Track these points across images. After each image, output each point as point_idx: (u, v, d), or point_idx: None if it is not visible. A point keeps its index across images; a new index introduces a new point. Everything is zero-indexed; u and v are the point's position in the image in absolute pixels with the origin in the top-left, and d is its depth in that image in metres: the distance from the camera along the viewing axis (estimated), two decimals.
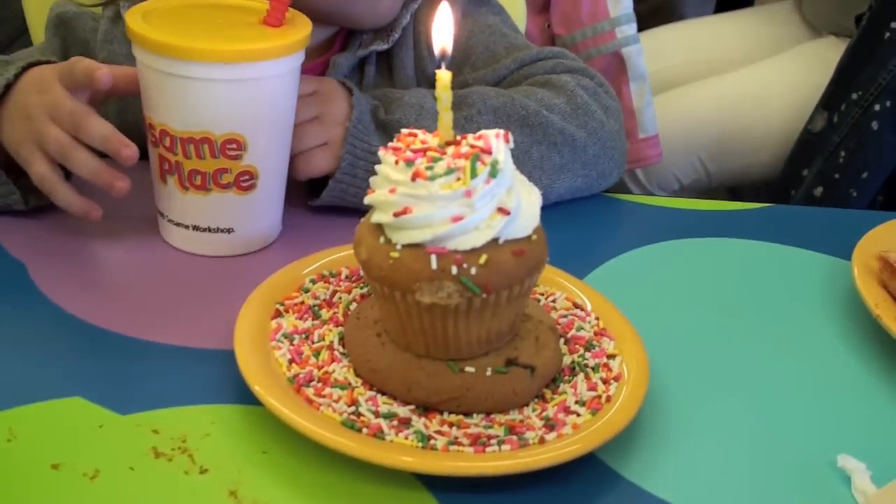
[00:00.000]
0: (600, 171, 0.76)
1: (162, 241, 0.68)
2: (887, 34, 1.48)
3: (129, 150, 0.62)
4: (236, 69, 0.61)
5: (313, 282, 0.60)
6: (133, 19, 0.63)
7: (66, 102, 0.63)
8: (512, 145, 0.58)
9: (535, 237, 0.51)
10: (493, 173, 0.49)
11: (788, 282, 0.70)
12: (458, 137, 0.51)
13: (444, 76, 0.49)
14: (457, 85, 0.80)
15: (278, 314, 0.57)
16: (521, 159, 0.71)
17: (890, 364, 0.61)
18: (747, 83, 1.74)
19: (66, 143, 0.63)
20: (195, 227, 0.66)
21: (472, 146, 0.50)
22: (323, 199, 0.70)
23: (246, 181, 0.65)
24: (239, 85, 0.62)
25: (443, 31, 0.51)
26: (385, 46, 0.79)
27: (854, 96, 1.52)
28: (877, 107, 1.50)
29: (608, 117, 0.76)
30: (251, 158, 0.64)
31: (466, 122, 0.70)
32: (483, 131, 0.51)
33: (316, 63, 0.80)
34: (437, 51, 0.50)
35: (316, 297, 0.58)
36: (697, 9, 2.65)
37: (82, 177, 0.64)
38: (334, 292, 0.59)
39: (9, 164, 0.67)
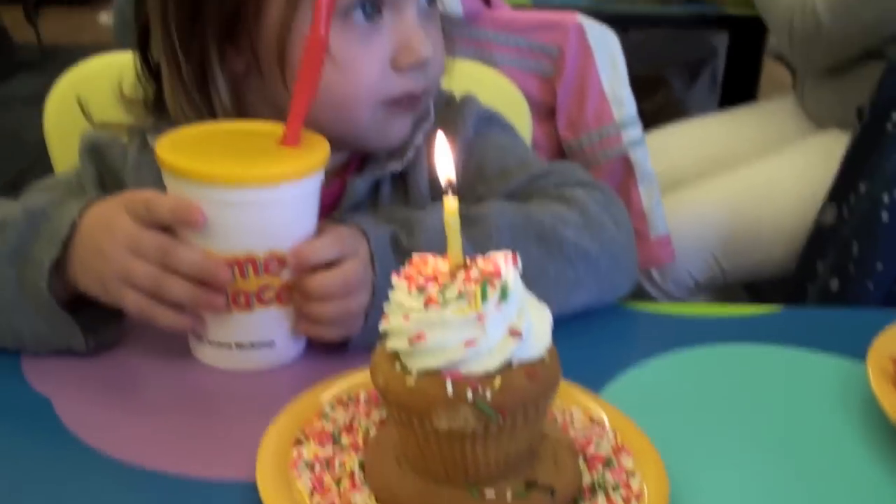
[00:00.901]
0: (612, 284, 0.77)
1: (188, 363, 0.69)
2: (889, 126, 1.51)
3: (225, 272, 0.64)
4: (278, 190, 0.64)
5: (332, 407, 0.60)
6: (163, 150, 0.65)
7: (146, 236, 0.65)
8: (521, 268, 0.60)
9: (547, 358, 0.52)
10: (504, 296, 0.50)
11: (805, 387, 0.70)
12: (468, 261, 0.52)
13: (450, 203, 0.51)
14: (472, 199, 0.82)
15: (299, 442, 0.57)
16: (538, 276, 0.72)
17: None
18: (755, 179, 1.76)
19: (157, 274, 0.64)
20: (238, 345, 0.68)
21: (482, 270, 0.51)
22: (355, 346, 0.70)
23: (287, 294, 0.67)
24: (282, 203, 0.65)
25: (444, 161, 0.53)
26: (399, 167, 0.81)
27: (862, 188, 1.53)
28: (885, 198, 1.50)
29: (619, 230, 0.77)
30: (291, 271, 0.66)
31: (485, 238, 0.71)
32: (492, 253, 0.52)
33: (333, 186, 0.82)
34: (442, 181, 0.52)
35: (335, 423, 0.59)
36: (702, 106, 2.71)
37: (181, 302, 0.65)
38: (353, 417, 0.60)
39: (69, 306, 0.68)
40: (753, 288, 2.16)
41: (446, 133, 0.83)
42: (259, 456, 0.55)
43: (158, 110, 0.81)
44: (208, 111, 0.76)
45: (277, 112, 0.75)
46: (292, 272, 0.66)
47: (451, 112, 0.86)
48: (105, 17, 4.36)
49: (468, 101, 0.87)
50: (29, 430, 0.62)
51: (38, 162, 1.06)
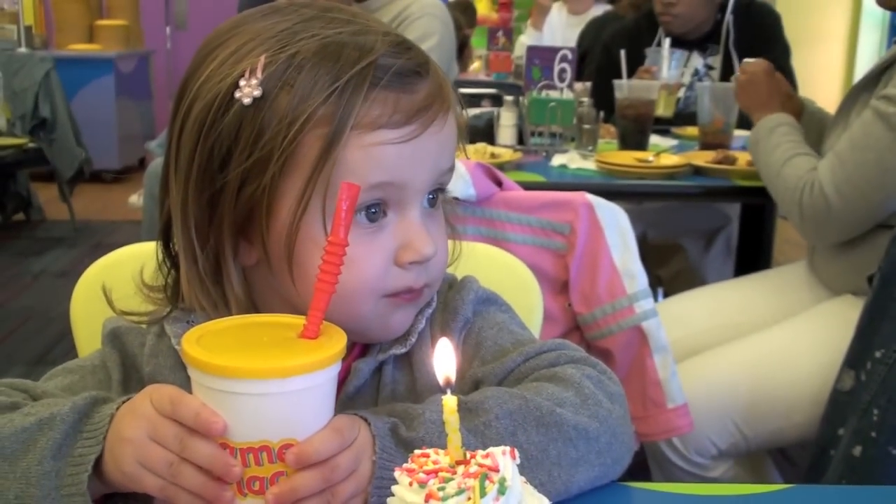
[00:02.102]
0: (614, 458, 0.78)
1: None
2: None
3: (237, 470, 0.66)
4: (293, 382, 0.66)
5: None
6: (189, 345, 0.68)
7: (166, 423, 0.67)
8: (522, 455, 0.61)
9: None
10: (502, 490, 0.52)
11: None
12: (468, 456, 0.54)
13: (450, 402, 0.53)
14: (468, 380, 0.85)
15: None
16: (540, 458, 0.74)
17: None
18: (772, 345, 1.78)
19: (172, 461, 0.67)
20: None
21: (481, 465, 0.53)
22: None
23: None
24: (297, 395, 0.67)
25: (444, 364, 0.56)
26: (403, 351, 0.84)
27: (878, 354, 1.54)
28: None
29: (614, 404, 0.79)
30: None
31: (485, 427, 0.74)
32: (491, 449, 0.54)
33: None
34: (441, 381, 0.55)
35: None
36: (718, 272, 2.75)
37: (190, 490, 0.66)
38: None
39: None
40: (785, 452, 2.14)
41: (448, 315, 0.88)
42: None
43: (176, 299, 0.85)
44: (222, 301, 0.80)
45: (285, 302, 0.80)
46: (293, 468, 0.67)
47: (453, 294, 0.89)
48: (135, 198, 4.54)
49: (468, 282, 0.91)
50: None
51: (64, 337, 1.10)
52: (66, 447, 0.70)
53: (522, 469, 0.72)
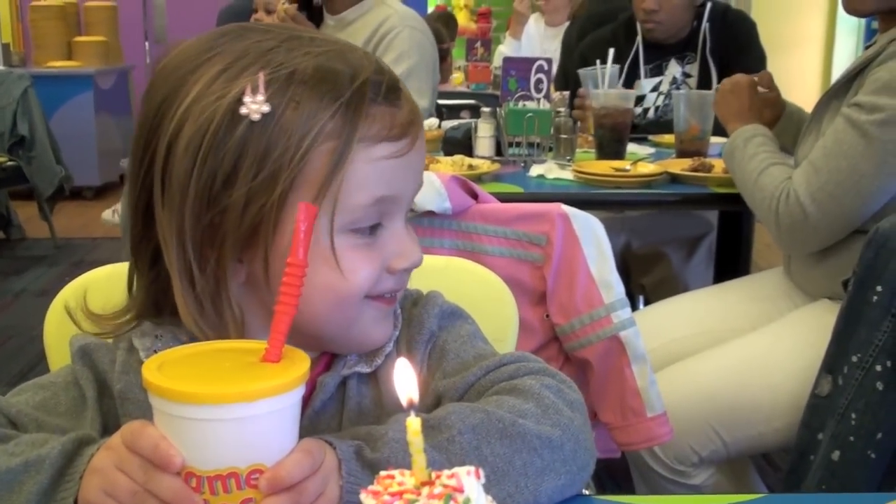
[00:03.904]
0: (579, 465, 0.79)
1: None
2: (875, 297, 1.54)
3: None
4: (257, 406, 0.66)
5: None
6: (150, 373, 0.68)
7: (133, 455, 0.67)
8: (487, 472, 0.61)
9: None
10: None
11: None
12: (433, 477, 0.54)
13: (413, 423, 0.54)
14: (429, 393, 0.86)
15: None
16: (506, 470, 0.75)
17: None
18: (750, 352, 1.79)
19: (137, 491, 0.67)
20: None
21: (445, 486, 0.53)
22: None
23: None
24: (262, 419, 0.67)
25: (406, 385, 0.56)
26: (368, 370, 0.86)
27: (854, 359, 1.55)
28: (878, 367, 1.53)
29: (574, 412, 0.80)
30: None
31: (449, 443, 0.74)
32: (455, 469, 0.54)
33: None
34: (403, 402, 0.55)
35: None
36: (700, 278, 2.76)
37: None
38: None
39: None
40: (768, 458, 2.15)
41: (413, 330, 0.88)
42: None
43: (144, 314, 0.85)
44: (219, 321, 0.79)
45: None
46: (265, 493, 0.67)
47: (418, 310, 0.91)
48: (108, 214, 4.51)
49: (433, 297, 0.92)
50: None
51: (45, 357, 1.10)
52: (50, 492, 0.70)
53: (489, 482, 0.73)
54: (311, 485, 0.68)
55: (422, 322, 0.89)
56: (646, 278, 2.81)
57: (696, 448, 1.71)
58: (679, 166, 2.33)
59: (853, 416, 1.54)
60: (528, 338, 1.55)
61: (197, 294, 0.78)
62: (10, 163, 4.99)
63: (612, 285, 1.53)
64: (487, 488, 0.56)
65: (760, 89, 2.21)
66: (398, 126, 0.79)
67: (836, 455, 1.55)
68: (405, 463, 0.56)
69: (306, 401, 0.85)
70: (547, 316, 1.57)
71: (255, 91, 0.74)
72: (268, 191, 0.75)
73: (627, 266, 2.82)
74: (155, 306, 0.85)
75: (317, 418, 0.84)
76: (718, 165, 2.26)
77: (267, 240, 0.77)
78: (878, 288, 1.53)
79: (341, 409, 0.86)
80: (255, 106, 0.74)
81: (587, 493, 0.82)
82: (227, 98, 0.75)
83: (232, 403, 0.66)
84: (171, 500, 0.66)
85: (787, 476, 1.63)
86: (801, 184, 1.74)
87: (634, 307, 2.53)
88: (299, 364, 0.70)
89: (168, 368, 0.69)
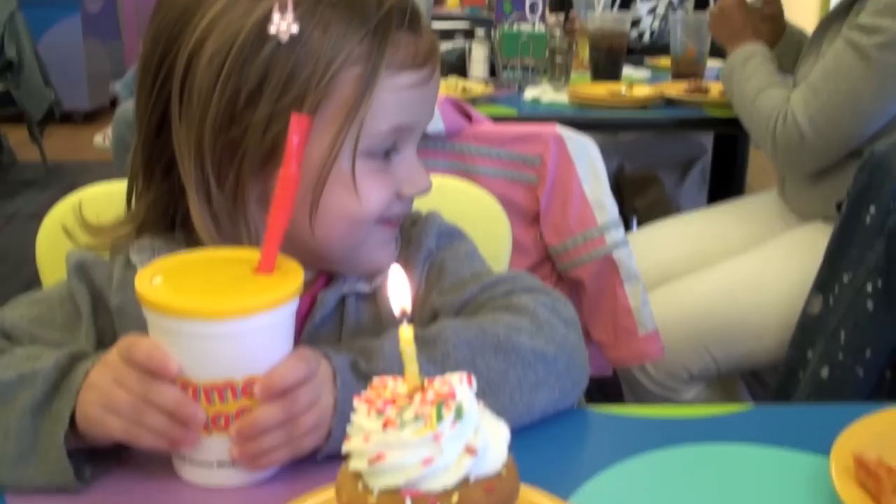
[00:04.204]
0: (573, 380, 0.80)
1: (169, 484, 0.71)
2: (868, 218, 1.54)
3: (199, 414, 0.67)
4: (253, 320, 0.67)
5: None
6: (144, 286, 0.68)
7: (130, 368, 0.68)
8: (482, 382, 0.61)
9: (504, 472, 0.54)
10: (459, 416, 0.53)
11: (772, 486, 0.71)
12: (425, 384, 0.55)
13: (405, 332, 0.54)
14: (426, 309, 0.87)
15: None
16: (500, 383, 0.75)
17: None
18: (742, 271, 1.80)
19: (136, 404, 0.67)
20: (219, 464, 0.70)
21: (438, 392, 0.54)
22: (319, 458, 0.72)
23: None
24: (258, 332, 0.68)
25: (400, 293, 0.56)
26: (367, 289, 0.86)
27: (845, 278, 1.56)
28: (869, 287, 1.54)
29: (569, 329, 0.81)
30: None
31: (444, 358, 0.75)
32: (448, 375, 0.55)
33: (304, 299, 0.86)
34: (396, 311, 0.55)
35: None
36: (694, 202, 2.76)
37: (155, 431, 0.67)
38: None
39: None
40: (758, 376, 2.17)
41: (411, 249, 0.89)
42: None
43: (142, 228, 0.85)
44: (235, 236, 0.79)
45: (287, 240, 0.78)
46: (261, 400, 0.68)
47: (416, 230, 0.91)
48: (99, 138, 4.47)
49: (431, 216, 0.93)
50: None
51: (38, 280, 1.10)
52: (45, 404, 0.70)
53: (484, 395, 0.73)
54: (305, 392, 0.69)
55: (420, 242, 0.90)
56: (639, 201, 2.81)
57: (686, 365, 1.73)
58: (675, 89, 2.31)
59: (843, 334, 1.56)
60: (522, 258, 1.56)
61: (213, 209, 0.78)
62: None
63: (605, 206, 1.53)
64: (482, 401, 0.57)
65: (752, 2, 2.18)
66: (421, 55, 0.79)
67: (824, 372, 1.58)
68: (400, 375, 0.56)
69: (306, 316, 0.86)
70: (540, 236, 1.58)
71: (283, 10, 0.73)
72: (293, 111, 0.73)
73: (621, 189, 2.82)
74: (162, 218, 0.85)
75: (316, 333, 0.85)
76: (715, 88, 2.24)
77: None
78: (872, 209, 1.54)
79: (340, 325, 0.87)
80: (283, 26, 0.73)
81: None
82: (254, 15, 0.74)
83: (227, 319, 0.67)
84: (171, 408, 0.67)
85: (776, 393, 1.66)
86: (799, 105, 1.73)
87: (627, 229, 2.53)
88: (293, 277, 0.71)
89: (162, 279, 0.70)
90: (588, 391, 0.83)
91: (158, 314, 0.67)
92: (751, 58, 1.95)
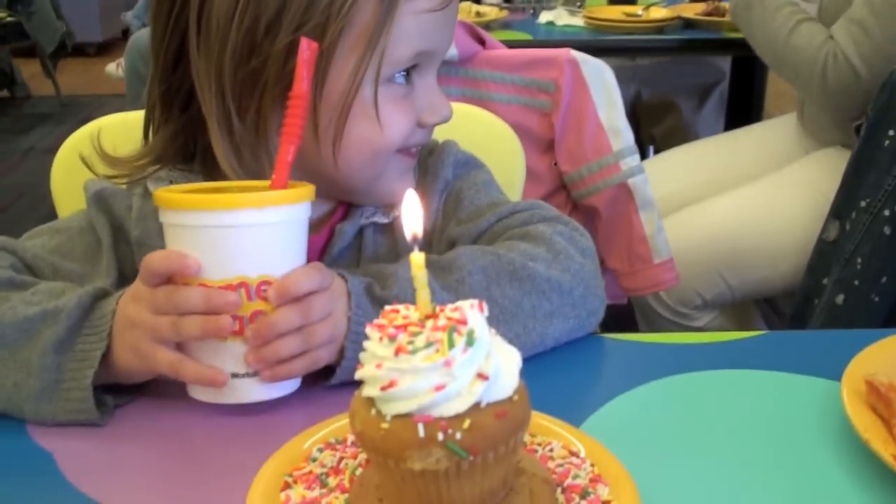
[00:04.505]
0: (589, 310, 0.80)
1: (184, 413, 0.72)
2: (886, 141, 1.52)
3: (233, 296, 0.67)
4: (266, 213, 0.68)
5: (321, 450, 0.63)
6: (162, 191, 0.70)
7: (158, 292, 0.68)
8: (498, 308, 0.61)
9: (516, 397, 0.54)
10: (470, 342, 0.53)
11: (785, 411, 0.72)
12: (437, 310, 0.55)
13: (417, 258, 0.54)
14: (445, 240, 0.87)
15: (287, 486, 0.60)
16: (515, 311, 0.76)
17: (881, 487, 0.62)
18: (759, 197, 1.78)
19: (175, 320, 0.68)
20: (234, 375, 0.70)
21: (449, 318, 0.54)
22: (334, 381, 0.73)
23: None
24: (271, 227, 0.68)
25: (413, 218, 0.56)
26: (385, 220, 0.86)
27: (863, 204, 1.55)
28: (886, 212, 1.52)
29: (585, 258, 0.81)
30: None
31: (459, 284, 0.75)
32: (459, 303, 0.55)
33: (322, 232, 0.86)
34: (408, 236, 0.55)
35: (323, 466, 0.62)
36: (711, 128, 2.73)
37: (197, 337, 0.68)
38: (341, 459, 0.62)
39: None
40: (772, 302, 2.17)
41: (428, 179, 0.88)
42: (248, 501, 0.58)
43: (165, 162, 0.84)
44: (257, 168, 0.79)
45: (310, 170, 0.79)
46: (275, 303, 0.68)
47: (434, 160, 0.90)
48: (112, 67, 4.43)
49: (448, 146, 0.92)
50: (32, 483, 0.65)
51: (54, 216, 1.10)
52: (68, 342, 0.71)
53: (497, 322, 0.74)
54: (319, 300, 0.69)
55: (437, 172, 0.89)
56: (656, 128, 2.79)
57: (700, 291, 1.73)
58: (693, 10, 2.27)
59: (859, 260, 1.55)
60: (536, 185, 1.55)
61: (235, 142, 0.78)
62: (9, 18, 4.90)
63: (620, 132, 1.52)
64: (495, 328, 0.57)
65: None
66: None
67: (839, 299, 1.57)
68: (414, 301, 0.56)
69: (324, 248, 0.86)
70: (555, 164, 1.57)
71: None
72: (314, 40, 0.72)
73: (638, 116, 2.79)
74: (181, 151, 0.85)
75: (334, 265, 0.85)
76: None
77: (314, 91, 0.75)
78: (891, 132, 1.52)
79: (358, 256, 0.87)
80: None
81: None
82: None
83: (243, 208, 0.67)
84: (206, 307, 0.67)
85: (791, 320, 1.66)
86: (850, 46, 1.63)
87: (644, 157, 2.51)
88: (305, 188, 0.72)
89: (179, 191, 0.71)
90: (602, 320, 0.84)
91: (176, 210, 0.68)
92: (749, 4, 1.83)
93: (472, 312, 0.54)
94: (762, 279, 1.73)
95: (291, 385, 0.73)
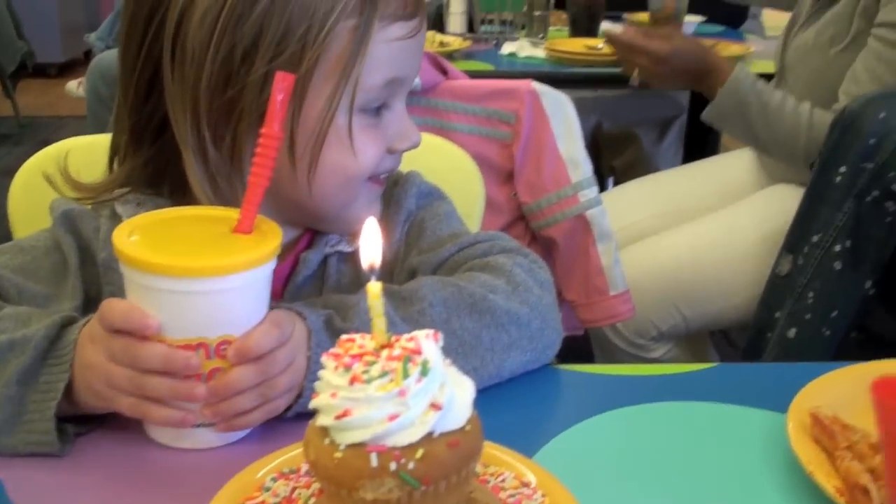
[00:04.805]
0: (546, 343, 0.81)
1: (139, 445, 0.72)
2: (837, 178, 1.56)
3: (193, 358, 0.67)
4: (229, 280, 0.67)
5: (274, 480, 0.63)
6: (122, 241, 0.68)
7: (115, 342, 0.67)
8: (442, 343, 0.62)
9: (468, 427, 0.55)
10: (424, 372, 0.54)
11: (732, 443, 0.73)
12: (393, 340, 0.56)
13: (373, 288, 0.55)
14: (405, 269, 0.88)
15: None
16: (474, 344, 0.77)
17: None
18: (715, 230, 1.81)
19: (133, 376, 0.67)
20: (193, 425, 0.70)
21: (404, 348, 0.54)
22: (289, 415, 0.73)
23: None
24: (233, 292, 0.68)
25: (371, 247, 0.57)
26: (349, 249, 0.87)
27: (815, 239, 1.58)
28: (837, 247, 1.56)
29: (544, 291, 0.82)
30: None
31: (420, 315, 0.76)
32: (414, 332, 0.56)
33: (288, 260, 0.87)
34: (364, 266, 0.56)
35: (276, 495, 0.62)
36: (670, 160, 2.77)
37: (160, 397, 0.67)
38: (294, 488, 0.63)
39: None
40: (726, 334, 2.20)
41: (392, 209, 0.89)
42: None
43: (128, 182, 0.84)
44: (232, 197, 0.78)
45: (282, 199, 0.80)
46: (233, 364, 0.68)
47: (397, 190, 0.92)
48: (73, 85, 4.39)
49: (412, 176, 0.93)
50: None
51: (9, 237, 1.09)
52: (32, 373, 0.70)
53: (456, 354, 0.75)
54: (280, 355, 0.70)
55: (400, 202, 0.91)
56: (616, 159, 2.82)
57: (656, 322, 1.75)
58: None
59: (811, 294, 1.58)
60: (495, 216, 1.56)
61: (210, 170, 0.78)
62: None
63: (579, 164, 1.54)
64: (454, 360, 0.58)
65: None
66: (410, 4, 0.79)
67: (791, 332, 1.60)
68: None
69: (288, 276, 0.86)
70: (514, 194, 1.59)
71: None
72: (290, 69, 0.73)
73: (599, 147, 2.82)
74: (152, 179, 0.84)
75: (298, 294, 0.86)
76: None
77: (289, 120, 0.76)
78: (842, 169, 1.55)
79: (321, 285, 0.87)
80: None
81: None
82: None
83: (204, 277, 0.67)
84: (166, 367, 0.66)
85: (744, 353, 1.68)
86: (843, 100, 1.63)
87: (604, 188, 2.54)
88: (271, 237, 0.70)
89: (140, 235, 0.69)
90: (559, 351, 0.85)
91: (135, 270, 0.67)
92: (742, 90, 1.73)
93: (427, 343, 0.55)
94: (717, 312, 1.76)
95: (248, 430, 0.73)
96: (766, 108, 1.71)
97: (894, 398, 0.47)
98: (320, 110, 0.76)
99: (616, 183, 2.83)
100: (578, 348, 1.91)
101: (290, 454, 0.66)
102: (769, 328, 1.64)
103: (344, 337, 0.57)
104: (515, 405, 0.78)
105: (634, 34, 1.82)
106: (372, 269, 0.56)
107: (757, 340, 1.65)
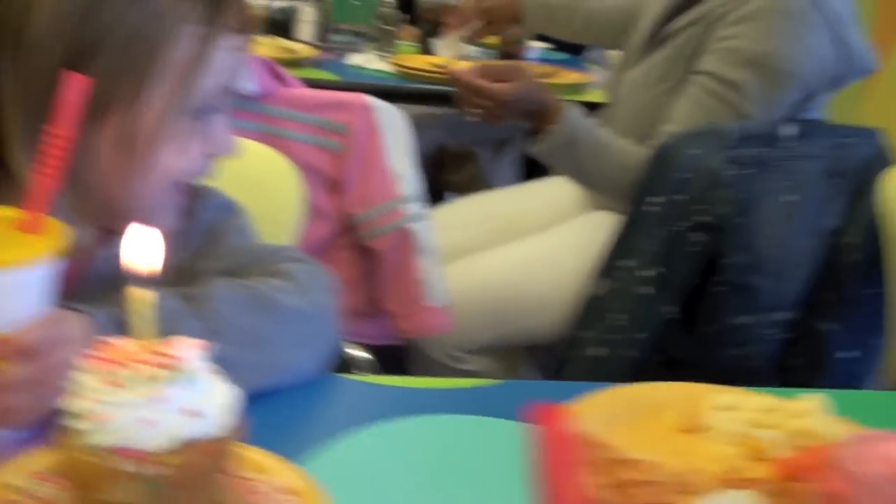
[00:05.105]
0: (327, 341, 0.87)
1: None
2: (652, 208, 1.65)
3: None
4: (4, 275, 0.66)
5: (33, 480, 0.63)
6: None
7: None
8: (210, 352, 0.64)
9: (224, 434, 0.57)
10: (181, 378, 0.55)
11: (494, 456, 0.77)
12: (153, 346, 0.57)
13: (136, 293, 0.56)
14: (199, 275, 0.88)
15: None
16: (262, 341, 0.81)
17: None
18: (536, 250, 1.88)
19: None
20: None
21: (164, 354, 0.56)
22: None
23: None
24: (4, 288, 0.66)
25: (133, 254, 0.58)
26: None
27: (627, 264, 1.66)
28: (644, 273, 1.64)
29: (325, 295, 0.88)
30: None
31: (209, 312, 0.78)
32: (175, 338, 0.57)
33: (83, 260, 0.86)
34: (140, 270, 0.57)
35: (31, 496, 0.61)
36: (506, 179, 2.85)
37: None
38: (46, 489, 0.62)
39: None
40: (535, 351, 2.27)
41: (191, 219, 0.90)
42: None
43: None
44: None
45: (81, 193, 0.79)
46: (3, 358, 0.66)
47: (195, 202, 0.93)
48: None
49: (210, 190, 0.95)
50: None
51: None
52: None
53: (244, 349, 0.76)
54: (57, 353, 0.69)
55: (198, 213, 0.93)
56: (456, 176, 2.88)
57: (473, 336, 1.79)
58: None
59: (620, 317, 1.66)
60: (322, 224, 1.58)
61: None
62: None
63: (407, 178, 1.58)
64: (243, 355, 0.59)
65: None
66: (245, 19, 0.83)
67: (602, 352, 1.68)
68: (163, 332, 0.58)
69: (82, 273, 0.85)
70: (343, 205, 1.61)
71: None
72: (133, 69, 0.75)
73: (440, 163, 2.87)
74: None
75: (92, 292, 0.84)
76: (535, 69, 2.31)
77: (123, 116, 0.78)
78: (654, 199, 1.64)
79: (116, 283, 0.87)
80: None
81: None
82: None
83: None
84: None
85: (553, 370, 1.75)
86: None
87: (441, 204, 2.59)
88: (57, 237, 0.69)
89: None
90: (379, 359, 0.89)
91: None
92: (573, 134, 1.75)
93: (189, 350, 0.57)
94: (532, 329, 1.82)
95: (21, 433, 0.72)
96: (597, 146, 1.75)
97: (548, 422, 0.51)
98: (157, 112, 0.79)
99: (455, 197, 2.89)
100: (395, 358, 1.95)
101: (42, 456, 0.65)
102: (577, 347, 1.71)
103: (106, 340, 0.57)
104: (287, 410, 0.80)
105: (478, 76, 1.82)
106: (138, 274, 0.57)
107: (567, 358, 1.72)
